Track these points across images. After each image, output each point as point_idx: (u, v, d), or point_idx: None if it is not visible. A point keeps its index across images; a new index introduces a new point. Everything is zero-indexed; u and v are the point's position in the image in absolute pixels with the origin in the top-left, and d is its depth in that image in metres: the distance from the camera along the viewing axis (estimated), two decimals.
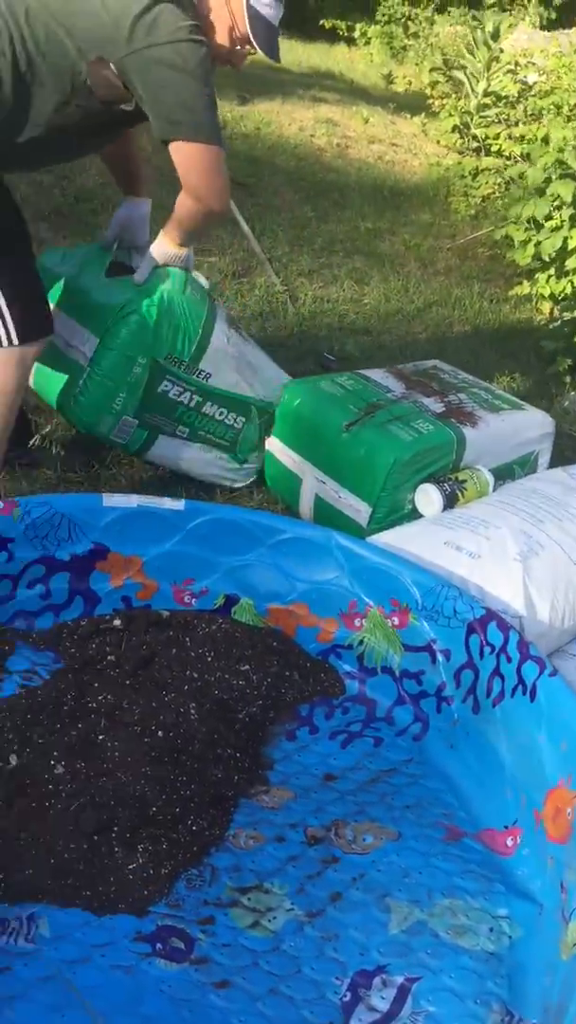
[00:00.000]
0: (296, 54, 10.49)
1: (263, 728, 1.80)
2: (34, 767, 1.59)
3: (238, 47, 2.06)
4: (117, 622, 1.94)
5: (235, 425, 2.45)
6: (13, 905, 1.38)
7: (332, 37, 11.73)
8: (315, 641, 1.98)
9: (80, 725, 1.69)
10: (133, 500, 1.95)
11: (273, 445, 2.52)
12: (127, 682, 1.82)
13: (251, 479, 2.59)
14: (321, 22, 11.26)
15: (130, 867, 1.47)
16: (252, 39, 2.02)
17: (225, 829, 1.57)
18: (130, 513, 1.94)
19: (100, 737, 1.68)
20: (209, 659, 1.90)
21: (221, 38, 2.02)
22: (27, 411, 2.57)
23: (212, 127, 1.96)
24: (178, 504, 1.97)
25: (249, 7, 1.99)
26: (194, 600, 2.01)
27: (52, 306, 2.29)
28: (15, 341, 1.98)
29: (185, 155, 1.95)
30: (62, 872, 1.44)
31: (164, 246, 2.21)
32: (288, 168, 5.76)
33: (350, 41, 11.76)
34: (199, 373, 2.33)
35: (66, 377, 2.31)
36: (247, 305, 3.77)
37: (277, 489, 2.56)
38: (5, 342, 1.97)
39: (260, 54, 2.07)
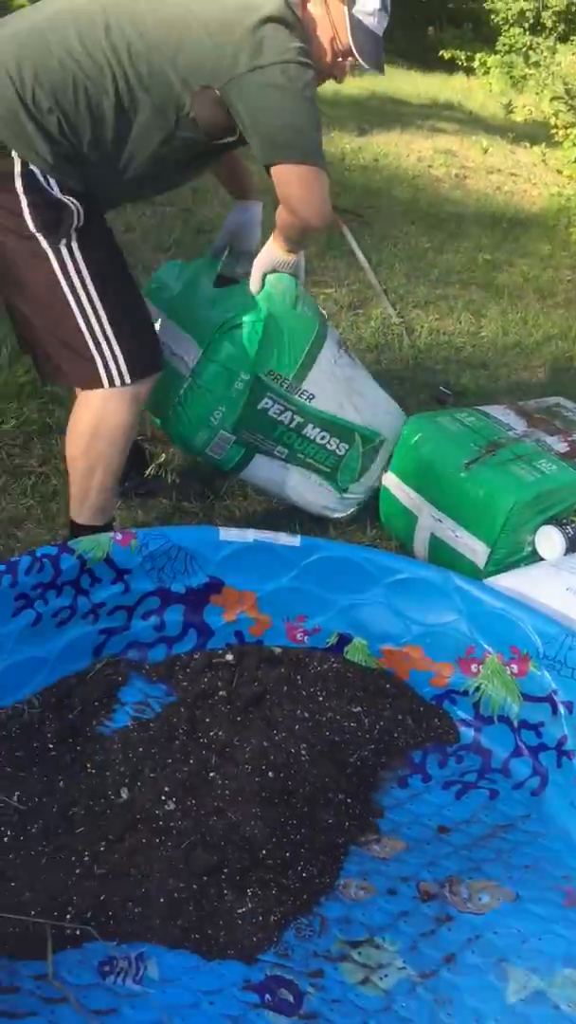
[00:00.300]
0: (415, 84, 10.54)
1: (374, 773, 1.76)
2: (145, 802, 1.59)
3: (339, 59, 1.99)
4: (229, 657, 1.94)
5: (337, 451, 2.35)
6: (122, 944, 1.37)
7: (451, 67, 11.69)
8: (429, 685, 1.93)
9: (191, 761, 1.69)
10: (249, 535, 1.95)
11: (389, 480, 2.49)
12: (238, 719, 1.80)
13: (351, 510, 2.48)
14: (440, 52, 11.25)
15: (239, 911, 1.45)
16: (354, 51, 1.95)
17: (335, 877, 1.54)
18: (246, 547, 1.94)
19: (211, 774, 1.67)
20: (321, 699, 1.88)
21: (323, 51, 1.96)
22: (143, 440, 2.61)
23: (317, 148, 1.90)
24: (294, 540, 1.96)
25: (351, 17, 1.92)
26: (307, 637, 1.99)
27: (162, 314, 2.30)
28: (127, 380, 1.95)
29: (288, 176, 1.89)
30: (172, 912, 1.42)
31: (273, 252, 2.14)
32: (405, 199, 5.75)
33: (469, 71, 11.71)
34: (302, 393, 2.25)
35: (167, 386, 2.22)
36: (362, 337, 3.76)
37: (391, 526, 2.52)
38: (118, 381, 1.95)
39: (364, 67, 2.00)
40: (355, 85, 9.37)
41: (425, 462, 2.38)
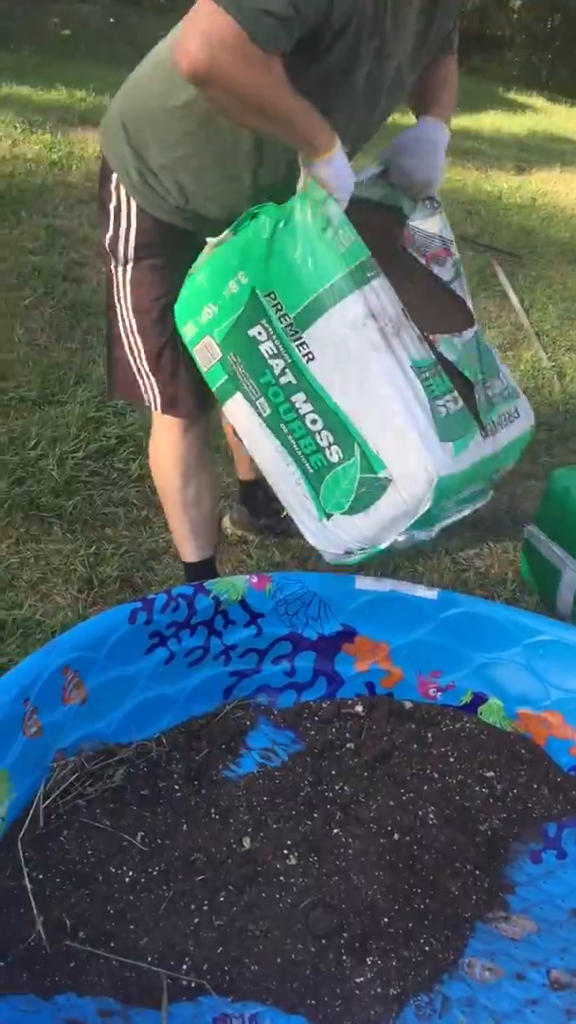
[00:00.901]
0: None
1: (505, 845, 1.68)
2: (267, 854, 1.57)
3: None
4: (359, 708, 1.90)
5: (328, 452, 1.68)
6: (236, 1001, 1.35)
7: None
8: (568, 755, 1.83)
9: (316, 815, 1.65)
10: (386, 584, 1.91)
11: (532, 533, 2.40)
12: (365, 774, 1.76)
13: (339, 555, 1.78)
14: None
15: (357, 980, 1.40)
16: None
17: (460, 954, 1.46)
18: (382, 597, 1.90)
19: (335, 831, 1.63)
20: (451, 760, 1.81)
21: None
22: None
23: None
24: (431, 593, 1.90)
25: None
26: (439, 694, 1.93)
27: None
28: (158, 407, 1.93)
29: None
30: (288, 974, 1.39)
31: (303, 157, 1.60)
32: (563, 239, 5.62)
33: None
34: (301, 344, 1.64)
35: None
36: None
37: (533, 580, 2.43)
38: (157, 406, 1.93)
39: None
40: (515, 123, 9.27)
41: (571, 515, 2.28)
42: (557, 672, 1.85)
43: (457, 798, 1.73)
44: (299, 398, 1.68)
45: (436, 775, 1.77)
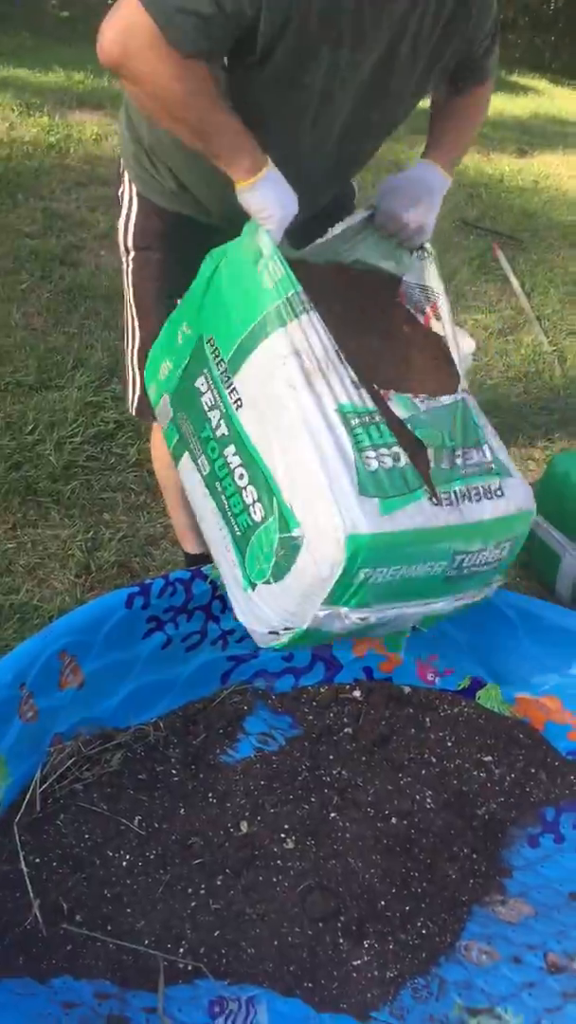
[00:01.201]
0: None
1: (503, 829, 1.68)
2: (264, 838, 1.57)
3: None
4: (357, 693, 1.89)
5: (252, 510, 1.45)
6: (233, 984, 1.35)
7: None
8: (566, 739, 1.83)
9: (313, 799, 1.65)
10: None
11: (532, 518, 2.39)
12: (363, 758, 1.76)
13: (265, 635, 1.51)
14: None
15: (354, 963, 1.40)
16: None
17: (457, 937, 1.47)
18: None
19: (332, 815, 1.63)
20: (449, 744, 1.81)
21: None
22: None
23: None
24: None
25: None
26: (438, 679, 1.92)
27: None
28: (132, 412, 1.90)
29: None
30: (285, 957, 1.39)
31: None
32: (564, 222, 5.58)
33: None
34: (232, 390, 1.47)
35: None
36: (511, 364, 3.65)
37: (533, 566, 2.42)
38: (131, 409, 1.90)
39: None
40: (517, 105, 9.20)
41: (571, 500, 2.27)
42: (556, 656, 1.84)
43: (455, 782, 1.73)
44: (230, 451, 1.48)
45: (434, 759, 1.77)
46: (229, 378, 1.47)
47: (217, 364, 1.49)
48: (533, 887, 1.57)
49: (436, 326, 1.65)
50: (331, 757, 1.75)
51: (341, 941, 1.43)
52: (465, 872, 1.57)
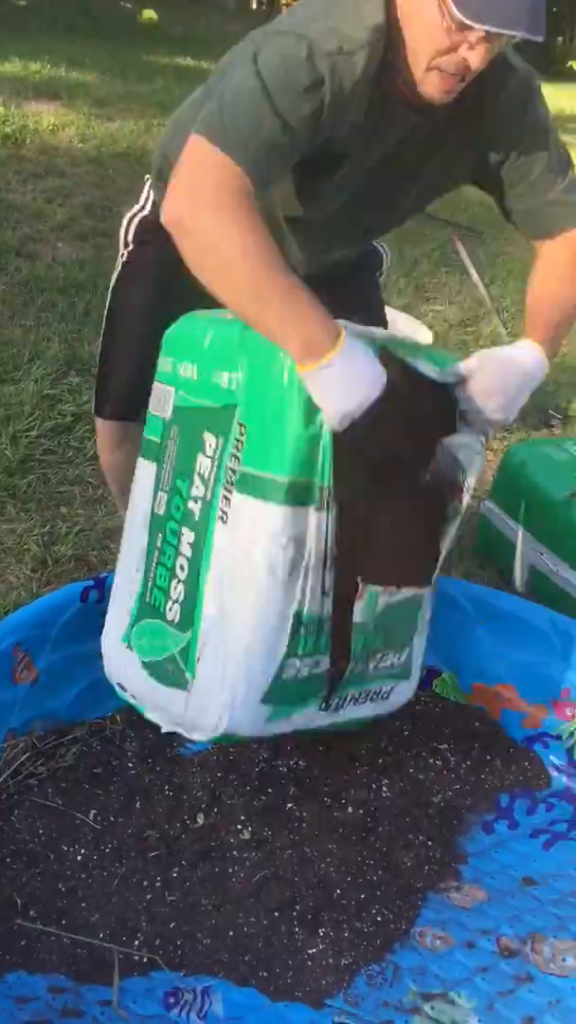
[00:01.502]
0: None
1: (459, 816, 1.69)
2: (220, 830, 1.57)
3: (455, 33, 1.23)
4: None
5: (169, 607, 1.46)
6: (188, 975, 1.35)
7: None
8: (521, 727, 1.85)
9: (270, 790, 1.66)
10: None
11: (488, 507, 2.41)
12: (320, 748, 1.76)
13: (113, 679, 1.54)
14: (570, 63, 11.04)
15: (309, 952, 1.41)
16: (462, 10, 1.19)
17: (411, 924, 1.48)
18: None
19: (289, 806, 1.63)
20: (406, 733, 1.82)
21: (423, 33, 1.26)
22: None
23: (236, 136, 1.24)
24: None
25: None
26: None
27: None
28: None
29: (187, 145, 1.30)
30: (240, 947, 1.39)
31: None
32: None
33: None
34: (226, 499, 1.39)
35: None
36: (470, 355, 3.67)
37: (488, 555, 2.44)
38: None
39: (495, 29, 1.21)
40: None
41: (526, 491, 2.29)
42: (511, 645, 1.86)
43: (411, 771, 1.74)
44: (187, 537, 1.42)
45: (391, 748, 1.78)
46: (231, 489, 1.36)
47: (232, 457, 1.36)
48: (487, 873, 1.58)
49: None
50: (289, 748, 1.75)
51: (296, 930, 1.43)
52: (420, 859, 1.58)
